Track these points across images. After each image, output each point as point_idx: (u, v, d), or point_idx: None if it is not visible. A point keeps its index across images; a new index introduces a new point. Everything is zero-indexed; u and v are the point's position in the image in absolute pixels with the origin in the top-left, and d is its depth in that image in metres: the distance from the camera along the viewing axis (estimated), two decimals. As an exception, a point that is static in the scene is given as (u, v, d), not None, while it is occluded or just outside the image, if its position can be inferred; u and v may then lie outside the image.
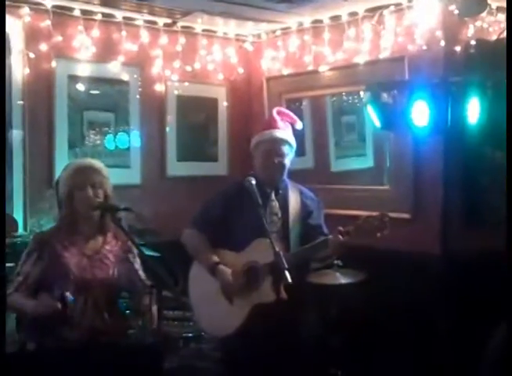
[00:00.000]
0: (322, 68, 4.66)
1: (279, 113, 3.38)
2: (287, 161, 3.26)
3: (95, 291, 2.70)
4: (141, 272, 2.86)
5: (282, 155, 3.23)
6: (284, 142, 3.24)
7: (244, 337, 3.09)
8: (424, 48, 4.07)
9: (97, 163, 2.89)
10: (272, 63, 5.02)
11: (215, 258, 3.20)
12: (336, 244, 3.03)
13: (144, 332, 2.91)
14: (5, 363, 2.17)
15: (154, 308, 2.73)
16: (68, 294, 2.55)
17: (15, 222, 2.45)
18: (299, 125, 3.41)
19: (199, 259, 3.28)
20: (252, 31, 5.03)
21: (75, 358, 2.43)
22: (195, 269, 3.31)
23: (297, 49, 4.81)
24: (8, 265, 3.58)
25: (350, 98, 4.77)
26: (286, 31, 4.85)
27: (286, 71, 4.92)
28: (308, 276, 3.47)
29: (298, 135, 4.31)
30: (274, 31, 4.93)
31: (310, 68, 4.74)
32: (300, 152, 4.88)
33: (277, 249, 2.93)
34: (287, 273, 2.83)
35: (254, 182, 3.14)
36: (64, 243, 2.75)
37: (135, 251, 2.83)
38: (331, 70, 4.64)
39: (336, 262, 3.67)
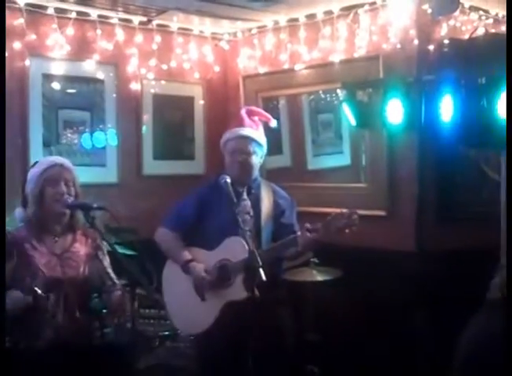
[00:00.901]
0: (298, 66, 4.68)
1: (249, 111, 3.38)
2: (255, 160, 3.27)
3: (65, 289, 2.68)
4: (110, 270, 2.86)
5: (248, 153, 3.23)
6: (250, 140, 3.24)
7: (217, 334, 3.10)
8: (398, 46, 4.10)
9: (67, 161, 2.88)
10: (248, 62, 5.03)
11: (188, 256, 3.21)
12: (305, 241, 3.06)
13: (119, 331, 2.91)
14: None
15: (128, 306, 2.73)
16: (37, 289, 2.54)
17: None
18: (273, 123, 3.42)
19: (172, 257, 3.30)
20: (228, 30, 5.03)
21: (49, 357, 2.43)
22: (168, 268, 3.32)
23: (273, 48, 4.82)
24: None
25: (326, 96, 4.78)
26: (262, 30, 4.86)
27: (262, 70, 4.93)
28: (282, 274, 3.49)
29: (275, 133, 4.38)
30: (250, 30, 4.94)
31: (286, 66, 4.76)
32: (276, 150, 4.95)
33: (251, 247, 2.94)
34: (261, 271, 2.85)
35: (228, 180, 3.16)
36: (33, 242, 2.73)
37: (105, 248, 2.83)
38: (307, 68, 4.66)
39: (312, 259, 3.70)
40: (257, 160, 3.28)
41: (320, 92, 4.80)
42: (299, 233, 3.09)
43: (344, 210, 3.03)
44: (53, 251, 2.75)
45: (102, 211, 2.78)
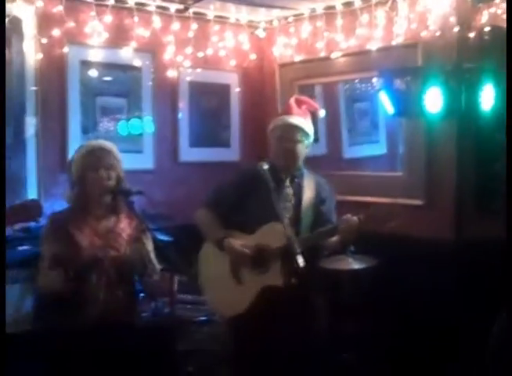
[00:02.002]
0: (335, 55, 4.64)
1: (298, 100, 3.37)
2: (301, 148, 3.25)
3: (107, 270, 2.72)
4: (152, 254, 2.88)
5: (294, 141, 3.22)
6: (297, 128, 3.23)
7: (251, 319, 3.11)
8: (438, 34, 4.04)
9: (109, 145, 2.91)
10: (284, 50, 5.01)
11: (223, 233, 3.21)
12: (346, 231, 3.05)
13: (157, 315, 2.95)
14: (23, 340, 2.21)
15: (167, 291, 2.76)
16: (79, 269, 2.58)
17: (39, 207, 2.46)
18: (321, 113, 3.42)
19: (208, 235, 3.29)
20: (264, 18, 5.02)
21: (90, 337, 2.46)
22: (205, 250, 3.33)
23: (309, 36, 4.79)
24: (27, 248, 3.67)
25: (363, 84, 4.76)
26: (298, 18, 4.83)
27: (298, 58, 4.90)
28: (319, 262, 3.48)
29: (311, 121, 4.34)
30: (286, 18, 4.91)
31: (322, 55, 4.72)
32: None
33: (290, 234, 2.95)
34: (299, 257, 2.85)
35: (265, 167, 3.15)
36: (77, 223, 2.77)
37: (148, 233, 2.85)
38: (344, 56, 4.62)
39: (348, 247, 3.68)
40: (303, 148, 3.27)
41: (357, 80, 4.78)
42: (341, 223, 3.08)
43: (386, 200, 3.01)
44: (96, 232, 2.78)
45: (138, 197, 2.81)
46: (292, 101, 3.35)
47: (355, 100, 4.87)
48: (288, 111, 3.29)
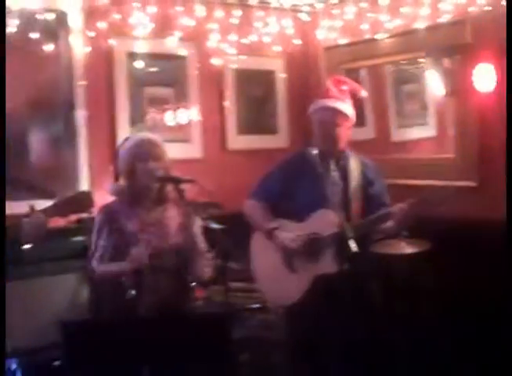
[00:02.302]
0: (380, 36, 4.56)
1: (337, 82, 3.32)
2: (341, 131, 3.20)
3: (160, 259, 2.74)
4: (201, 242, 2.89)
5: (334, 125, 3.17)
6: (336, 111, 3.18)
7: (307, 307, 3.10)
8: (487, 9, 3.92)
9: (155, 136, 2.93)
10: (328, 33, 4.94)
11: (274, 224, 3.20)
12: (399, 216, 3.00)
13: (209, 303, 2.97)
14: (80, 329, 2.25)
15: (219, 279, 2.78)
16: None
17: (91, 198, 2.51)
18: (363, 93, 3.36)
19: (257, 227, 3.29)
20: (307, 1, 4.96)
21: (144, 326, 2.48)
22: (256, 240, 3.33)
23: (353, 17, 4.71)
24: (80, 239, 3.74)
25: (410, 65, 4.66)
26: (342, -1, 4.77)
27: (343, 41, 4.84)
28: (372, 247, 3.44)
29: (357, 105, 4.29)
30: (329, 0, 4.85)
31: (367, 36, 4.64)
32: (360, 122, 4.87)
33: (341, 219, 2.92)
34: (351, 243, 2.82)
35: (315, 152, 3.13)
36: (127, 214, 2.80)
37: (197, 220, 2.87)
38: (389, 37, 4.53)
39: (401, 231, 3.63)
40: (343, 131, 3.23)
41: (404, 61, 4.68)
42: (395, 207, 3.04)
43: (438, 183, 2.96)
44: (147, 222, 2.81)
45: (187, 187, 2.82)
46: (330, 83, 3.29)
47: (402, 82, 4.78)
48: (326, 94, 3.24)
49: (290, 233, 3.16)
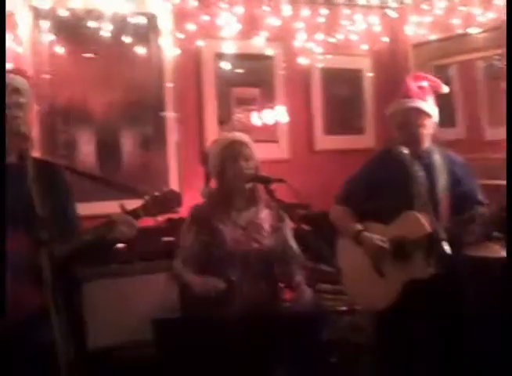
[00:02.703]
0: (473, 30, 4.41)
1: (416, 78, 3.22)
2: (424, 131, 3.08)
3: (251, 261, 2.74)
4: (293, 243, 2.87)
5: (416, 126, 3.06)
6: (418, 111, 3.06)
7: (397, 311, 3.02)
8: None
9: (244, 136, 2.93)
10: (417, 29, 4.83)
11: (359, 227, 3.14)
12: (489, 218, 2.87)
13: (298, 305, 2.94)
14: (171, 327, 2.28)
15: (309, 280, 2.75)
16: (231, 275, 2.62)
17: (179, 197, 2.52)
18: (444, 89, 3.25)
19: (343, 230, 3.23)
20: (395, -3, 4.88)
21: (234, 329, 2.48)
22: (342, 243, 3.28)
23: (444, 12, 4.58)
24: (169, 239, 3.80)
25: (504, 61, 4.48)
26: (432, -6, 4.65)
27: (432, 37, 4.71)
28: (464, 249, 3.32)
29: (447, 104, 4.18)
30: (419, -6, 4.75)
31: (459, 31, 4.50)
32: (449, 122, 4.74)
33: (432, 221, 2.83)
34: (445, 244, 2.72)
35: (406, 151, 3.03)
36: (219, 215, 2.81)
37: (288, 220, 2.84)
38: (483, 31, 4.37)
39: (495, 233, 3.50)
40: (426, 131, 3.11)
41: (497, 56, 4.51)
42: (482, 208, 2.91)
43: None
44: (238, 224, 2.81)
45: (276, 187, 2.81)
46: (409, 81, 3.18)
47: (495, 78, 4.59)
48: (406, 93, 3.12)
49: (375, 234, 3.10)
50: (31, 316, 2.24)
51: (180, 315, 2.91)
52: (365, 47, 4.92)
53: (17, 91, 2.34)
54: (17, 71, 2.47)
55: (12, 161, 2.36)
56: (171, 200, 2.47)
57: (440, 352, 3.01)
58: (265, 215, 2.86)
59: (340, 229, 3.26)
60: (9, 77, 2.36)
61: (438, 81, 3.29)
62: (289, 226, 2.89)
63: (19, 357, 2.28)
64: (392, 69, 5.04)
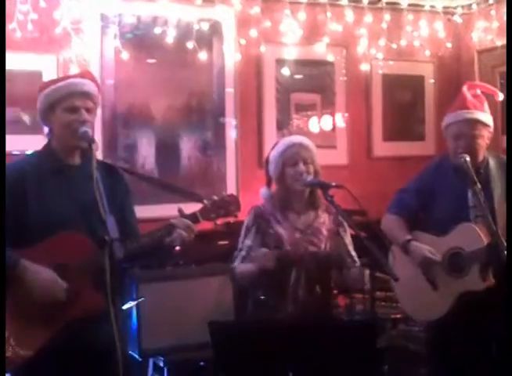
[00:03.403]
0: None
1: (471, 87, 3.15)
2: (481, 143, 3.01)
3: (307, 264, 2.75)
4: (351, 248, 2.86)
5: (473, 137, 2.98)
6: (475, 122, 2.99)
7: (451, 322, 2.97)
8: None
9: (306, 140, 2.93)
10: (483, 35, 4.74)
11: (409, 236, 3.09)
12: None
13: (351, 311, 2.94)
14: (226, 330, 2.30)
15: (365, 287, 2.73)
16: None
17: (238, 202, 2.56)
18: (499, 97, 3.18)
19: (393, 239, 3.18)
20: (461, 2, 4.78)
21: (287, 333, 2.49)
22: (395, 253, 3.22)
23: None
24: (226, 242, 3.84)
25: None
26: (500, -1, 4.55)
27: (500, 42, 4.61)
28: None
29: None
30: (487, 0, 4.64)
31: (527, 37, 4.39)
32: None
33: (491, 231, 2.77)
34: (506, 254, 2.65)
35: (468, 158, 2.94)
36: (278, 217, 2.82)
37: (346, 226, 2.84)
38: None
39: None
40: (483, 142, 3.03)
41: None
42: None
43: None
44: (296, 227, 2.81)
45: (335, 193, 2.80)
46: (465, 90, 3.10)
47: None
48: (462, 104, 3.04)
49: (429, 246, 3.05)
50: (92, 316, 2.29)
51: (235, 318, 2.92)
52: (428, 53, 4.86)
53: (87, 95, 2.42)
54: (88, 76, 2.53)
55: (77, 163, 2.45)
56: (230, 205, 2.50)
57: (492, 365, 2.96)
58: (323, 220, 2.87)
59: (390, 238, 3.21)
60: (80, 82, 2.44)
61: (494, 88, 3.23)
62: (348, 232, 2.88)
63: (80, 357, 2.34)
64: (455, 75, 4.96)
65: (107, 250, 2.20)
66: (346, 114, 4.67)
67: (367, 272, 2.65)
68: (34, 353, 2.24)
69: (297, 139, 2.94)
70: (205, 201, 2.48)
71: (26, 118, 3.74)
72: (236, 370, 2.39)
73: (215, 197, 2.49)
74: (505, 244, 2.71)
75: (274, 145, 2.99)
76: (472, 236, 2.90)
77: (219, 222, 2.55)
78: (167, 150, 4.16)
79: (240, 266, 2.80)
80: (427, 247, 3.03)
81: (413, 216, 3.18)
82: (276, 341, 2.33)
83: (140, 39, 4.03)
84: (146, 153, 4.11)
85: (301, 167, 2.78)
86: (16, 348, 2.22)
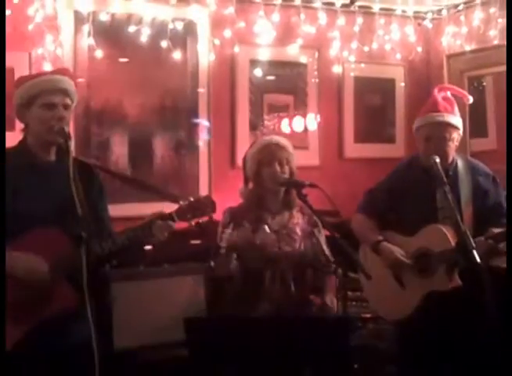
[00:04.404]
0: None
1: (441, 89, 3.22)
2: (451, 145, 3.09)
3: (282, 264, 2.78)
4: (325, 248, 2.90)
5: (443, 139, 3.06)
6: (446, 125, 3.06)
7: (418, 323, 3.03)
8: None
9: (283, 140, 2.96)
10: (453, 40, 4.83)
11: (380, 237, 3.15)
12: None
13: (325, 310, 2.97)
14: (201, 326, 2.31)
15: (337, 286, 2.77)
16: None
17: (213, 203, 2.59)
18: (469, 100, 3.26)
19: (363, 239, 3.24)
20: (432, 8, 4.87)
21: (261, 329, 2.51)
22: (364, 253, 3.27)
23: (481, 23, 4.57)
24: (198, 242, 3.85)
25: (539, 73, 4.45)
26: (470, 5, 4.62)
27: (468, 47, 4.71)
28: (492, 261, 3.30)
29: (479, 115, 4.11)
30: (456, 6, 4.72)
31: (496, 42, 4.49)
32: (481, 133, 4.72)
33: (459, 232, 2.83)
34: (475, 253, 2.72)
35: (438, 160, 3.00)
36: (252, 218, 2.85)
37: (321, 226, 2.87)
38: (518, 43, 4.35)
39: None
40: (453, 144, 3.11)
41: (534, 69, 4.48)
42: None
43: None
44: (271, 228, 2.85)
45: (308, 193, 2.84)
46: (436, 93, 3.17)
47: (530, 90, 4.57)
48: (433, 107, 3.12)
49: (398, 246, 3.10)
50: (68, 314, 2.30)
51: (206, 315, 2.93)
52: (399, 56, 4.93)
53: (65, 92, 2.42)
54: (66, 72, 2.52)
55: (52, 159, 2.44)
56: (206, 206, 2.53)
57: (458, 363, 3.02)
58: (297, 220, 2.90)
59: (360, 237, 3.26)
60: (58, 78, 2.43)
61: (464, 91, 3.30)
62: (322, 232, 2.92)
63: (56, 355, 2.35)
64: (425, 79, 5.05)
65: (83, 247, 2.20)
66: (318, 116, 4.71)
67: (339, 271, 2.68)
68: (9, 350, 2.23)
69: (274, 139, 2.98)
70: (181, 202, 2.50)
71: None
72: (211, 366, 2.41)
73: (191, 199, 2.52)
74: (473, 244, 2.78)
75: (252, 144, 3.02)
76: (439, 237, 2.97)
77: (193, 222, 2.57)
78: (140, 149, 4.14)
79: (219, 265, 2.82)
80: (397, 248, 3.08)
81: (382, 216, 3.23)
82: (251, 336, 2.36)
83: (114, 37, 4.01)
84: (119, 151, 4.08)
85: (276, 167, 2.81)
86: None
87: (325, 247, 2.89)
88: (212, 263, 2.81)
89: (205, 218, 2.61)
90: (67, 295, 2.30)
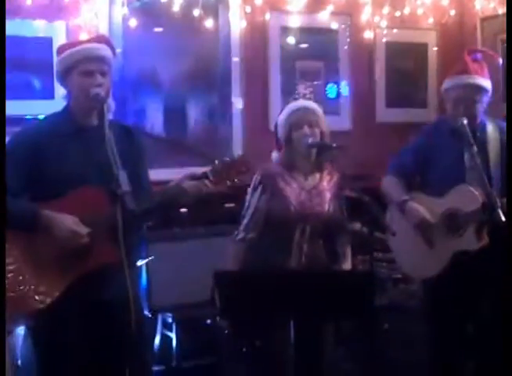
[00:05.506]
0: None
1: (471, 52, 3.22)
2: (480, 108, 3.10)
3: (311, 223, 2.86)
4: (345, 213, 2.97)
5: (472, 102, 3.07)
6: (475, 87, 3.07)
7: (446, 281, 3.08)
8: None
9: (311, 103, 3.01)
10: (486, 3, 4.77)
11: (405, 196, 3.18)
12: None
13: (354, 272, 3.05)
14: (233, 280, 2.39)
15: (365, 248, 2.84)
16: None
17: (248, 162, 2.65)
18: (500, 60, 3.25)
19: (391, 200, 3.27)
20: (465, -31, 4.83)
21: (288, 279, 2.57)
22: (393, 213, 3.29)
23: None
24: (230, 205, 3.94)
25: None
26: (503, -34, 4.57)
27: (502, 10, 4.65)
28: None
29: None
30: (490, -32, 4.69)
31: (530, 5, 4.43)
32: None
33: (486, 191, 2.86)
34: (500, 212, 2.75)
35: (466, 121, 3.03)
36: (285, 178, 2.92)
37: (347, 191, 2.94)
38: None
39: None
40: (482, 106, 3.12)
41: None
42: None
43: None
44: (303, 187, 2.91)
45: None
46: (467, 55, 3.17)
47: None
48: (463, 69, 3.12)
49: (426, 207, 3.13)
50: (107, 269, 2.41)
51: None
52: (431, 21, 4.90)
53: (102, 59, 2.51)
54: (103, 40, 2.61)
55: (94, 124, 2.56)
56: (241, 165, 2.59)
57: (488, 319, 3.08)
58: (327, 182, 2.96)
59: (388, 197, 3.30)
60: (95, 46, 2.53)
61: (494, 53, 3.27)
62: (348, 195, 2.98)
63: (95, 308, 2.46)
64: (458, 43, 4.99)
65: (119, 203, 2.32)
66: (350, 82, 4.73)
67: (366, 233, 2.74)
68: (50, 301, 2.37)
69: (302, 103, 3.02)
70: (216, 162, 2.58)
71: (36, 83, 3.84)
72: (239, 319, 2.49)
73: (226, 158, 2.60)
74: (499, 204, 2.81)
75: (281, 110, 3.08)
76: (469, 197, 2.99)
77: (229, 183, 2.64)
78: (174, 115, 4.25)
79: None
80: (423, 208, 3.13)
81: (411, 177, 3.27)
82: (279, 290, 2.43)
83: (147, 7, 4.09)
84: (154, 118, 4.21)
85: (306, 130, 2.88)
86: (35, 296, 2.35)
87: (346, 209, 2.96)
88: (235, 235, 2.91)
89: (240, 179, 2.66)
90: (106, 251, 2.41)
